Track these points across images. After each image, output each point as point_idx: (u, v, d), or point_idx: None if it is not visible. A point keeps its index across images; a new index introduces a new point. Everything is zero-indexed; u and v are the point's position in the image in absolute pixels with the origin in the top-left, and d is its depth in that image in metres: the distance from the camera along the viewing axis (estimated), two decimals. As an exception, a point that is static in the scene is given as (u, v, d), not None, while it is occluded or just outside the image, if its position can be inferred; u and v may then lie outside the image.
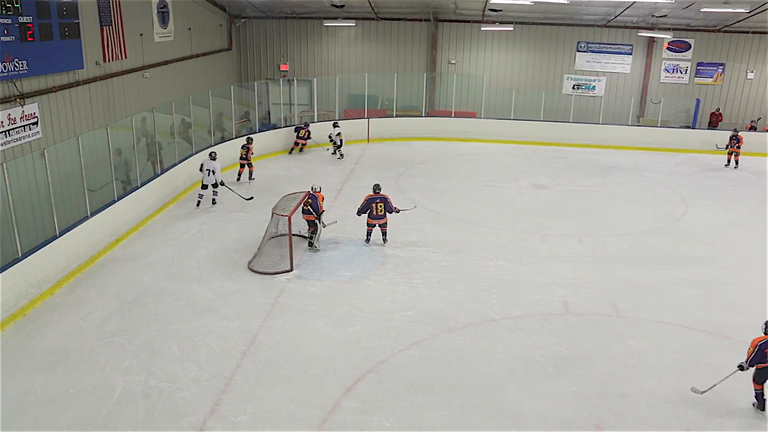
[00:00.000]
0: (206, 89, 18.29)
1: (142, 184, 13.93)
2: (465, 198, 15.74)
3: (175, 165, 15.65)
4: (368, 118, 22.02)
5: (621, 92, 25.11)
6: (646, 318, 10.35)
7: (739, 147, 20.39)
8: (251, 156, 16.92)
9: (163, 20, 18.84)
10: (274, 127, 21.01)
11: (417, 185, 17.02)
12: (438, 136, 22.52)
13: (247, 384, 8.32)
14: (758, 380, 8.02)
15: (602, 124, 23.10)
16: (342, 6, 23.26)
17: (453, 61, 25.32)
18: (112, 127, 13.30)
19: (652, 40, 24.73)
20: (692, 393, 8.19)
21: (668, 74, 25.25)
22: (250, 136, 18.04)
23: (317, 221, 12.48)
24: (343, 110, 22.86)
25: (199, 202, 14.91)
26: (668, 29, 23.87)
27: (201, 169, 14.75)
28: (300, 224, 12.72)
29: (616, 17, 23.40)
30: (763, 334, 7.94)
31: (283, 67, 25.53)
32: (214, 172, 14.62)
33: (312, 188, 12.70)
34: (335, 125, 19.91)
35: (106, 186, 12.64)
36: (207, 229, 13.61)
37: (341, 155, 19.67)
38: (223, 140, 18.32)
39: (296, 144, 20.22)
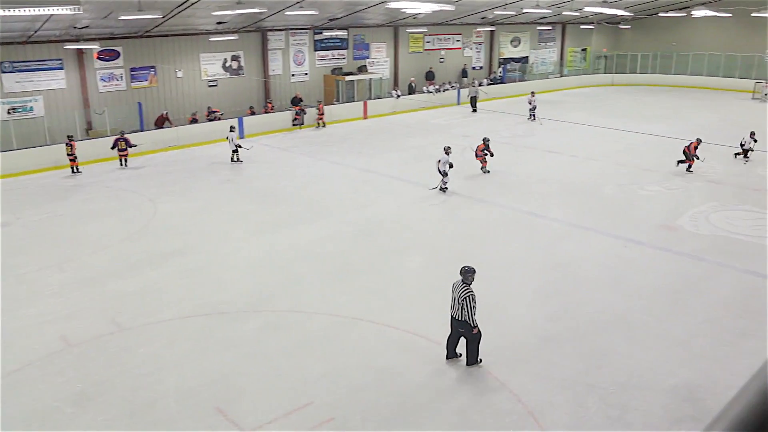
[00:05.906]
0: None
1: None
2: None
3: None
4: None
5: (63, 108, 24.32)
6: (149, 321, 10.64)
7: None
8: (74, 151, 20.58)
9: None
10: None
11: None
12: None
13: None
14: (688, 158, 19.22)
15: (48, 145, 21.93)
16: None
17: None
18: None
19: (81, 51, 24.48)
20: (211, 372, 8.92)
21: (105, 83, 25.51)
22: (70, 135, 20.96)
23: None
24: None
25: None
26: (94, 39, 24.01)
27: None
28: None
29: (36, 32, 22.36)
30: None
31: None
32: (232, 140, 21.77)
33: None
34: (231, 129, 22.35)
35: None
36: None
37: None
38: None
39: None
